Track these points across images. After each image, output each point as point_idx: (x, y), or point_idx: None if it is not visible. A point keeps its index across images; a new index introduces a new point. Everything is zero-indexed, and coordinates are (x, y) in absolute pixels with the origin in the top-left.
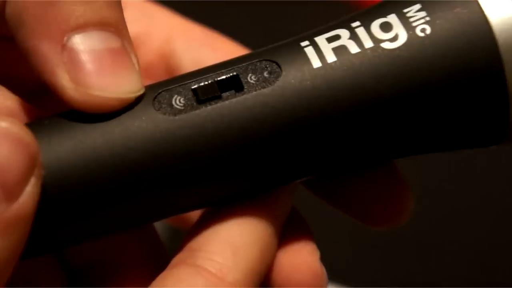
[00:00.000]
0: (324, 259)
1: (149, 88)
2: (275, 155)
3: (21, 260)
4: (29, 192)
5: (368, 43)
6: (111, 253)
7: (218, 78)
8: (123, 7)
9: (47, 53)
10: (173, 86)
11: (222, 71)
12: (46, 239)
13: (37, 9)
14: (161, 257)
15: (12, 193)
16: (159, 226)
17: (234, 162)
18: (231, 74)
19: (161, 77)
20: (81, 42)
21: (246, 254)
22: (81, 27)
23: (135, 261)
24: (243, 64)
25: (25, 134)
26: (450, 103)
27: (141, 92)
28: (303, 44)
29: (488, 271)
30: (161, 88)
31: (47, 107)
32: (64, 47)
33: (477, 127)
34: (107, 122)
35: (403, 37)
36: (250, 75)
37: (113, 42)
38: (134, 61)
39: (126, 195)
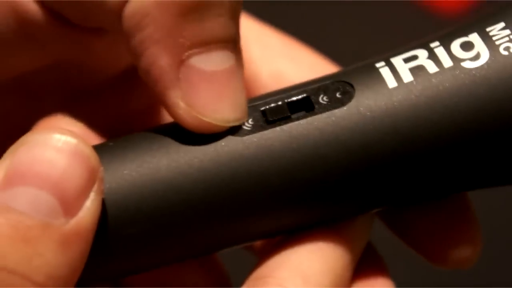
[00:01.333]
0: None
1: None
2: (348, 179)
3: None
4: (89, 207)
5: (447, 63)
6: (172, 280)
7: (288, 100)
8: None
9: (165, 66)
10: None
11: (293, 92)
12: (105, 262)
13: (166, 19)
14: (224, 283)
15: (71, 208)
16: None
17: (305, 186)
18: (302, 96)
19: None
20: (200, 61)
21: (317, 281)
22: (204, 45)
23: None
24: (315, 86)
25: (84, 147)
26: None
27: (246, 119)
28: (378, 65)
29: (488, 271)
30: None
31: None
32: (183, 63)
33: None
34: (172, 142)
35: (485, 56)
36: (321, 96)
37: (230, 60)
38: (242, 80)
39: (191, 220)
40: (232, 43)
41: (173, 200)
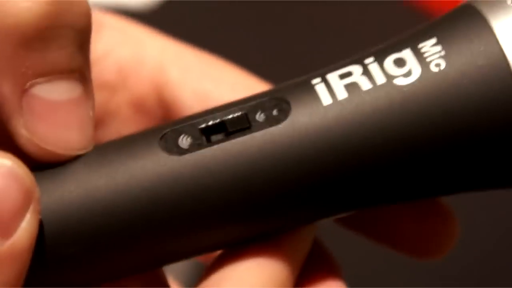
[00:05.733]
0: None
1: (155, 128)
2: (285, 195)
3: None
4: (25, 228)
5: (380, 79)
6: None
7: (226, 117)
8: (99, 28)
9: (7, 94)
10: (179, 126)
11: (230, 110)
12: (44, 280)
13: (6, 48)
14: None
15: (6, 229)
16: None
17: (243, 202)
18: (239, 113)
19: (154, 110)
20: (42, 91)
21: None
22: (47, 75)
23: None
24: (252, 103)
25: (18, 168)
26: (466, 139)
27: (91, 148)
28: (314, 81)
29: (488, 271)
30: (168, 127)
31: None
32: (25, 92)
33: (499, 166)
34: (111, 162)
35: (416, 73)
36: (258, 113)
37: (75, 91)
38: (89, 110)
39: (128, 238)
40: (77, 73)
41: (112, 220)
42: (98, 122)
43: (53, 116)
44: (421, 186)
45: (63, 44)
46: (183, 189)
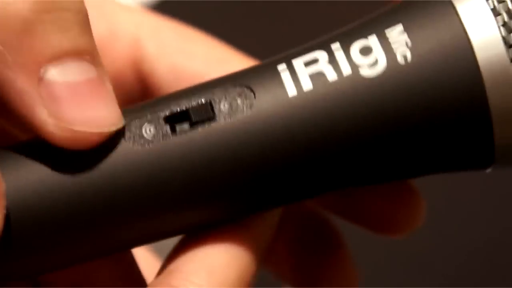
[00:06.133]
0: None
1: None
2: (247, 185)
3: None
4: None
5: (346, 70)
6: (85, 278)
7: (190, 106)
8: None
9: (23, 87)
10: (143, 114)
11: (195, 96)
12: (13, 267)
13: (12, 39)
14: (138, 282)
15: None
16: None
17: (206, 193)
18: (203, 101)
19: (132, 85)
20: (58, 75)
21: (221, 274)
22: (57, 58)
23: (110, 286)
24: (217, 89)
25: None
26: (431, 132)
27: (122, 124)
28: (280, 68)
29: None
30: (132, 115)
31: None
32: (41, 80)
33: (462, 152)
34: (76, 153)
35: (382, 63)
36: (223, 101)
37: (90, 71)
38: (110, 89)
39: (92, 226)
40: (87, 54)
41: (76, 211)
42: None
43: (76, 98)
44: (388, 171)
45: (65, 27)
46: (145, 180)
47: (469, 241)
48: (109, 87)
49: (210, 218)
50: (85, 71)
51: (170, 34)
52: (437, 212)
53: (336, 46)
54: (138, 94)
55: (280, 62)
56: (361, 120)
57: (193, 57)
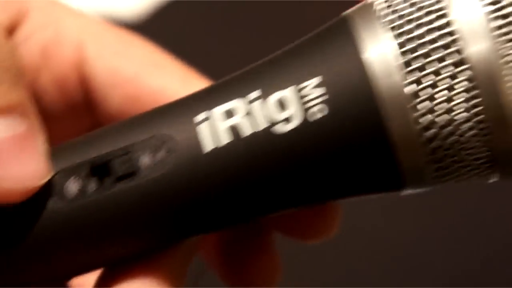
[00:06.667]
0: None
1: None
2: (168, 231)
3: None
4: None
5: (261, 124)
6: None
7: (114, 159)
8: (25, 12)
9: None
10: (68, 166)
11: (119, 147)
12: None
13: None
14: None
15: None
16: None
17: (125, 240)
18: (126, 155)
19: (76, 89)
20: None
21: None
22: None
23: None
24: (139, 140)
25: None
26: (339, 169)
27: (48, 177)
28: (198, 119)
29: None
30: (59, 163)
31: None
32: None
33: (372, 179)
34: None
35: (296, 120)
36: (144, 155)
37: (19, 126)
38: (40, 140)
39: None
40: (18, 107)
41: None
42: None
43: (1, 154)
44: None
45: None
46: (68, 233)
47: (469, 241)
48: (38, 139)
49: (131, 256)
50: (12, 126)
51: (110, 39)
52: (437, 212)
53: (255, 95)
54: (81, 97)
55: (198, 112)
56: (272, 173)
57: (130, 60)
